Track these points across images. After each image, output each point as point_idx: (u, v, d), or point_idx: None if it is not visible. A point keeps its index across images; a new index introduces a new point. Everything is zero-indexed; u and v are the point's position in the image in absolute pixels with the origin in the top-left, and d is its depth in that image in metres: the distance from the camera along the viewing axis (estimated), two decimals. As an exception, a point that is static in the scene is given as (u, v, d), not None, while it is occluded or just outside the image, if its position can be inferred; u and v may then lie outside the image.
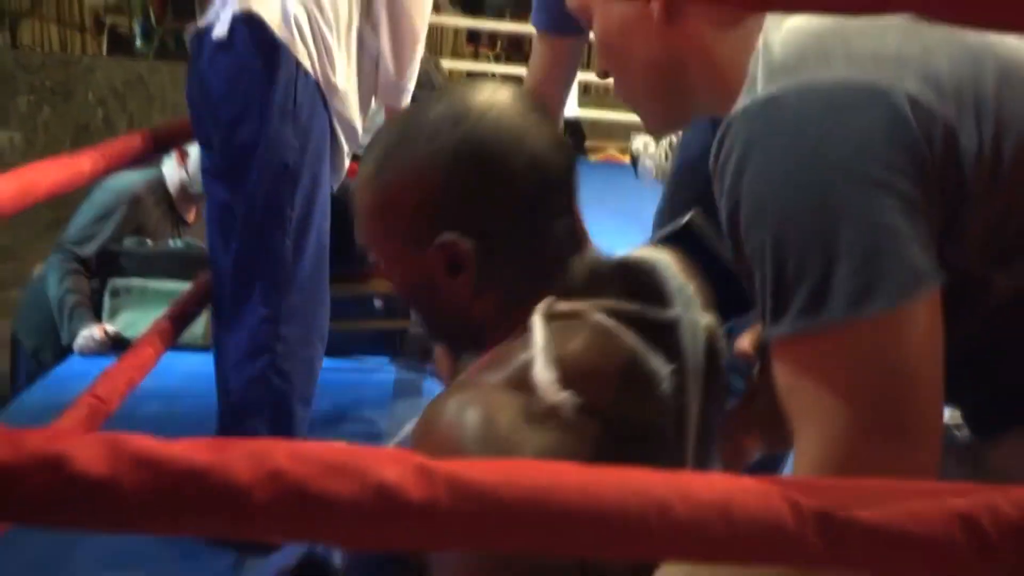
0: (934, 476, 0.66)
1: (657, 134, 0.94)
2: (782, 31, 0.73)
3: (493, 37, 10.32)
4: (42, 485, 0.45)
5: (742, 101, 0.72)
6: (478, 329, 0.84)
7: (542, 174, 0.81)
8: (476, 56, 10.11)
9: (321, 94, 1.63)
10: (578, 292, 0.82)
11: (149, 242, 2.68)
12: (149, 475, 0.45)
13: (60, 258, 2.62)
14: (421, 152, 0.81)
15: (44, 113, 5.41)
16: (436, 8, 6.44)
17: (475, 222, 0.80)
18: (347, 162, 1.82)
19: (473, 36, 10.27)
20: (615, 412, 0.76)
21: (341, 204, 2.04)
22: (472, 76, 7.97)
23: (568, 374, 0.74)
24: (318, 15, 1.59)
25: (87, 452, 0.46)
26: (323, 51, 1.60)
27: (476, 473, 0.47)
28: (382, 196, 0.84)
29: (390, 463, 0.47)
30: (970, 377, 0.75)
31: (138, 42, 5.15)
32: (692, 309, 0.84)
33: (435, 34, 8.75)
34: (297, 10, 1.57)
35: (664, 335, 0.82)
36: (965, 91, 0.69)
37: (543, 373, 0.73)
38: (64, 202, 2.56)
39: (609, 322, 0.78)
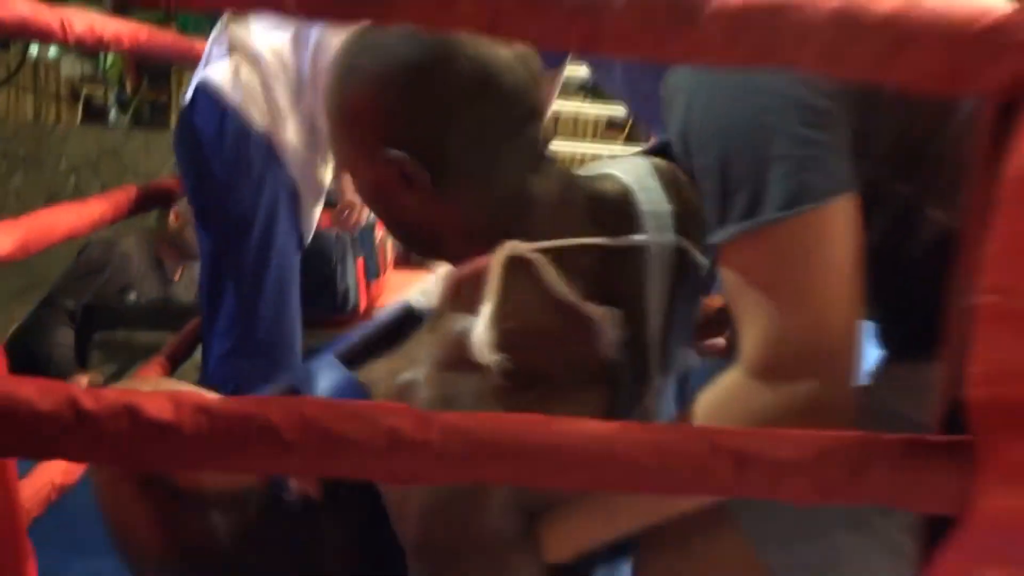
0: (852, 359, 0.75)
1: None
2: None
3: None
4: (120, 429, 0.57)
5: None
6: (436, 240, 0.88)
7: (499, 94, 0.82)
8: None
9: (274, 150, 1.79)
10: (541, 219, 0.84)
11: (134, 295, 2.75)
12: (206, 420, 0.57)
13: (46, 311, 2.68)
14: (376, 70, 0.82)
15: (16, 180, 5.50)
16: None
17: (426, 140, 0.82)
18: (317, 211, 1.97)
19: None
20: (554, 369, 0.80)
21: (315, 253, 2.17)
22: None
23: (506, 338, 0.77)
24: (270, 80, 1.79)
25: (155, 402, 0.58)
26: (274, 111, 1.79)
27: (462, 420, 0.59)
28: (341, 108, 0.86)
29: (396, 412, 0.59)
30: (887, 291, 0.84)
31: (112, 113, 5.26)
32: (662, 231, 0.88)
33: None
34: (248, 76, 1.78)
35: (629, 260, 0.86)
36: None
37: (481, 339, 0.76)
38: (36, 269, 2.63)
39: (558, 280, 0.80)
